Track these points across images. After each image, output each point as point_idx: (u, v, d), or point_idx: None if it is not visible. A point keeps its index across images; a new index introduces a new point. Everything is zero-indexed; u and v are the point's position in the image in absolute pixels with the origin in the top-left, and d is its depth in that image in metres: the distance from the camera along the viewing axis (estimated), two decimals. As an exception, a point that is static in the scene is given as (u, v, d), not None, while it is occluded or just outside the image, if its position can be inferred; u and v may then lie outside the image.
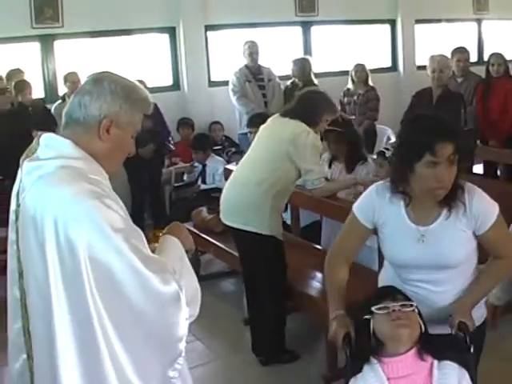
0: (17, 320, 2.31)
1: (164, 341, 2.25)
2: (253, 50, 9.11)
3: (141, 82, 5.12)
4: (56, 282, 2.11)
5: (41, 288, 2.15)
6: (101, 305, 2.10)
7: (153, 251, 2.33)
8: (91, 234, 2.08)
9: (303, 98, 4.96)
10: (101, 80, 2.34)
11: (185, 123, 9.51)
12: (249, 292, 5.14)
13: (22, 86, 7.60)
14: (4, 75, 8.05)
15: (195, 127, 9.51)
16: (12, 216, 2.30)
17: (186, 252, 2.50)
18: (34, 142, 2.33)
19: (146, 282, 2.14)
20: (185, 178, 8.40)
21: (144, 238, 2.30)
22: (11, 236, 2.31)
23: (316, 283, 5.09)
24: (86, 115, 2.29)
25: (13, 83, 7.65)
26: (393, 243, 3.02)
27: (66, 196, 2.11)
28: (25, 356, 2.29)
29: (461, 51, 8.31)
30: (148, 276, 2.13)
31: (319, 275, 5.05)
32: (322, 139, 5.80)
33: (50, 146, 2.28)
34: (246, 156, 5.13)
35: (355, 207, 3.12)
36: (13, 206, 2.30)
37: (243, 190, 4.84)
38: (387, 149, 5.55)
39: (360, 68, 9.27)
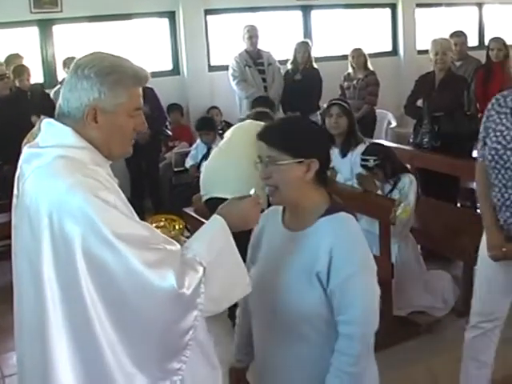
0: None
1: (164, 335, 2.17)
2: (252, 33, 9.08)
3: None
4: (49, 274, 2.09)
5: (34, 277, 2.14)
6: (96, 297, 2.06)
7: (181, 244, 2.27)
8: (85, 228, 2.04)
9: None
10: (77, 68, 2.27)
11: (175, 108, 9.48)
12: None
13: (21, 70, 7.57)
14: (3, 60, 8.02)
15: (195, 112, 9.48)
16: (14, 200, 2.29)
17: (235, 238, 2.34)
18: (36, 126, 2.31)
19: (139, 277, 2.06)
20: (186, 163, 8.34)
21: (149, 228, 2.25)
22: (13, 220, 2.30)
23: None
24: (69, 108, 2.24)
25: (11, 68, 7.62)
26: None
27: (61, 188, 2.07)
28: None
29: (458, 35, 8.28)
30: (141, 271, 2.06)
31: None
32: (323, 120, 5.83)
33: (50, 133, 2.25)
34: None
35: None
36: (15, 191, 2.29)
37: (231, 161, 4.86)
38: (367, 159, 5.37)
39: (357, 53, 9.24)
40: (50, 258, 2.08)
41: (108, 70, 2.24)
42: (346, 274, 2.45)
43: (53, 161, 2.15)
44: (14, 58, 8.07)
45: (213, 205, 4.62)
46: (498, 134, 3.52)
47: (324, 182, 2.61)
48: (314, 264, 2.49)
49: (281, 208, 2.73)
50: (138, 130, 2.36)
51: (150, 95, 8.22)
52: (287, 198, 2.59)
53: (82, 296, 2.06)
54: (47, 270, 2.09)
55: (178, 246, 2.23)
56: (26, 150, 2.28)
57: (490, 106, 3.63)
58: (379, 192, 5.22)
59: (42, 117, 2.32)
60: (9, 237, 2.38)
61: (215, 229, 2.32)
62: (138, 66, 2.35)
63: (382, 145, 5.99)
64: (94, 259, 2.05)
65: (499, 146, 3.49)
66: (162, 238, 2.21)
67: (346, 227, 2.56)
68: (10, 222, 2.37)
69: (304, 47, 9.21)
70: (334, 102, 5.91)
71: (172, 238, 2.33)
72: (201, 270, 2.16)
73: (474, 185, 4.56)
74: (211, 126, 8.23)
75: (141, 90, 2.34)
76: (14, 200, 2.29)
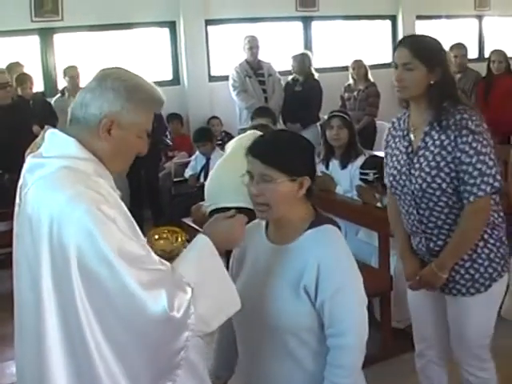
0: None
1: (155, 353, 2.16)
2: (253, 44, 9.09)
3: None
4: (47, 282, 2.08)
5: (34, 285, 2.13)
6: (90, 310, 2.06)
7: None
8: (83, 241, 2.04)
9: None
10: (105, 77, 2.27)
11: (174, 118, 9.48)
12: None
13: (23, 79, 7.59)
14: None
15: (195, 122, 9.49)
16: (16, 209, 2.29)
17: (221, 256, 2.34)
18: (40, 136, 2.31)
19: (132, 297, 2.05)
20: (185, 173, 8.34)
21: (143, 242, 2.25)
22: (15, 229, 2.30)
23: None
24: (85, 114, 2.24)
25: (14, 76, 7.63)
26: None
27: (62, 199, 2.06)
28: None
29: (458, 47, 8.30)
30: (136, 291, 2.05)
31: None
32: (324, 133, 5.83)
33: (53, 143, 2.25)
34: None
35: None
36: (17, 200, 2.28)
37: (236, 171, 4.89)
38: (366, 173, 5.35)
39: (358, 64, 9.30)
40: (48, 267, 2.07)
41: (136, 88, 2.27)
42: (335, 286, 2.46)
43: (56, 171, 2.15)
44: (14, 67, 8.09)
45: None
46: (394, 158, 3.42)
47: (311, 196, 2.62)
48: (301, 277, 2.49)
49: (263, 222, 2.73)
50: (138, 153, 2.37)
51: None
52: (278, 214, 2.58)
53: (75, 307, 2.05)
54: (45, 278, 2.08)
55: (169, 265, 2.22)
56: (29, 160, 2.28)
57: (387, 130, 3.56)
58: (379, 204, 5.22)
59: (46, 127, 2.31)
60: (9, 245, 2.38)
61: (201, 249, 2.31)
62: (158, 90, 2.38)
63: (381, 157, 5.96)
64: (89, 272, 2.04)
65: (395, 172, 3.40)
66: (157, 259, 2.20)
67: (332, 239, 2.58)
68: (10, 230, 2.37)
69: (299, 59, 9.20)
70: (334, 113, 5.91)
71: (174, 249, 2.33)
72: (189, 290, 2.15)
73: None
74: (208, 136, 8.23)
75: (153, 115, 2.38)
76: (16, 208, 2.28)
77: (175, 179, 8.59)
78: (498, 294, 3.45)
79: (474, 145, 3.10)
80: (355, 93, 9.15)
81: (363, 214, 5.06)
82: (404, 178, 3.33)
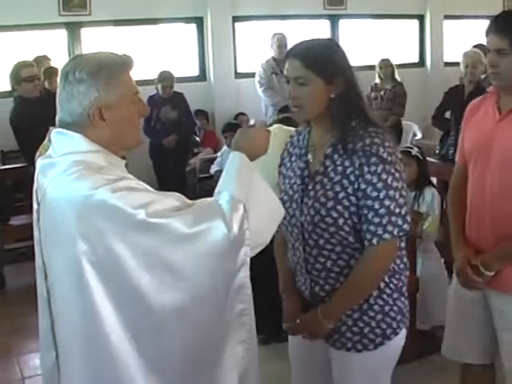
0: (45, 317, 2.29)
1: (220, 273, 2.18)
2: (282, 42, 9.03)
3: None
4: (91, 273, 2.08)
5: (68, 288, 2.13)
6: (147, 279, 2.08)
7: None
8: (118, 221, 2.05)
9: None
10: (66, 75, 2.22)
11: (200, 114, 9.48)
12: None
13: (51, 72, 7.57)
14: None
15: (221, 118, 9.48)
16: (34, 216, 2.27)
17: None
18: (46, 138, 2.29)
19: (187, 240, 2.09)
20: (211, 169, 8.33)
21: (180, 197, 2.27)
22: (36, 235, 2.29)
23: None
24: (72, 117, 2.22)
25: (42, 70, 7.64)
26: None
27: (84, 190, 2.06)
28: (54, 354, 2.26)
29: (480, 47, 8.23)
30: (187, 233, 2.09)
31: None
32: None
33: (61, 141, 2.23)
34: None
35: None
36: (34, 206, 2.27)
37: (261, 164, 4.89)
38: (411, 147, 5.45)
39: (385, 64, 9.23)
40: (90, 262, 2.07)
41: (97, 67, 2.21)
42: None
43: (69, 167, 2.14)
44: (41, 60, 8.09)
45: None
46: (287, 181, 2.88)
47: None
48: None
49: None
50: (142, 115, 2.37)
51: (179, 100, 8.25)
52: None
53: (131, 283, 2.07)
54: (90, 274, 2.08)
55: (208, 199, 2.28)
56: (39, 162, 2.26)
57: (284, 145, 3.03)
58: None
59: (50, 128, 2.29)
60: (30, 238, 2.38)
61: (237, 165, 2.34)
62: (119, 53, 2.35)
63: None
64: (135, 246, 2.06)
65: (286, 197, 2.84)
66: (191, 202, 2.25)
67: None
68: (30, 223, 2.38)
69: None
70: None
71: None
72: (241, 207, 2.18)
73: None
74: (237, 128, 8.22)
75: (131, 74, 2.32)
76: (35, 215, 2.27)
77: (200, 175, 8.60)
78: (392, 355, 2.90)
79: (384, 176, 2.58)
80: (382, 92, 9.09)
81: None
82: (295, 206, 2.78)
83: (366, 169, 2.58)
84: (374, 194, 2.58)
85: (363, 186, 2.59)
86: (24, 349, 5.24)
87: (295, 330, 2.91)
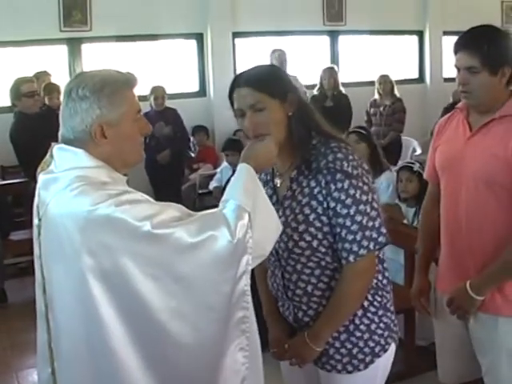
0: (42, 332, 2.29)
1: (221, 281, 2.19)
2: (282, 58, 9.04)
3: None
4: (97, 287, 2.08)
5: (81, 293, 2.12)
6: (152, 287, 2.09)
7: None
8: (122, 234, 2.06)
9: None
10: (69, 92, 2.23)
11: (200, 130, 9.52)
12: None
13: (52, 88, 7.60)
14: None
15: (221, 134, 9.49)
16: (35, 231, 2.27)
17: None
18: (48, 154, 2.29)
19: (192, 250, 2.10)
20: (210, 185, 8.34)
21: (180, 208, 2.28)
22: (35, 250, 2.29)
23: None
24: (74, 134, 2.23)
25: (42, 85, 7.67)
26: None
27: (86, 205, 2.06)
28: (49, 370, 2.26)
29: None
30: (191, 243, 2.10)
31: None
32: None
33: (63, 157, 2.24)
34: None
35: None
36: (35, 221, 2.27)
37: None
38: (413, 162, 5.47)
39: (384, 79, 9.27)
40: (95, 276, 2.07)
41: (101, 84, 2.21)
42: None
43: (72, 182, 2.14)
44: (42, 76, 8.10)
45: None
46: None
47: None
48: None
49: None
50: (144, 134, 2.36)
51: (172, 116, 8.25)
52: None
53: (137, 294, 2.08)
54: (93, 284, 2.08)
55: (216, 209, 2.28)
56: (41, 177, 2.27)
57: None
58: (405, 221, 5.19)
59: (52, 144, 2.30)
60: (31, 253, 2.37)
61: (244, 176, 2.35)
62: (123, 71, 2.34)
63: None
64: (141, 258, 2.07)
65: None
66: (192, 212, 2.26)
67: None
68: (29, 239, 2.38)
69: (329, 73, 9.16)
70: (350, 131, 5.90)
71: None
72: (246, 216, 2.19)
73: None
74: (237, 147, 8.24)
75: (135, 92, 2.33)
76: (35, 231, 2.27)
77: (200, 191, 8.61)
78: (382, 372, 2.80)
79: (352, 192, 2.50)
80: (381, 108, 9.12)
81: (389, 230, 5.01)
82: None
83: (332, 186, 2.51)
84: (344, 211, 2.51)
85: (332, 205, 2.53)
86: (23, 364, 5.24)
87: (282, 355, 2.81)
